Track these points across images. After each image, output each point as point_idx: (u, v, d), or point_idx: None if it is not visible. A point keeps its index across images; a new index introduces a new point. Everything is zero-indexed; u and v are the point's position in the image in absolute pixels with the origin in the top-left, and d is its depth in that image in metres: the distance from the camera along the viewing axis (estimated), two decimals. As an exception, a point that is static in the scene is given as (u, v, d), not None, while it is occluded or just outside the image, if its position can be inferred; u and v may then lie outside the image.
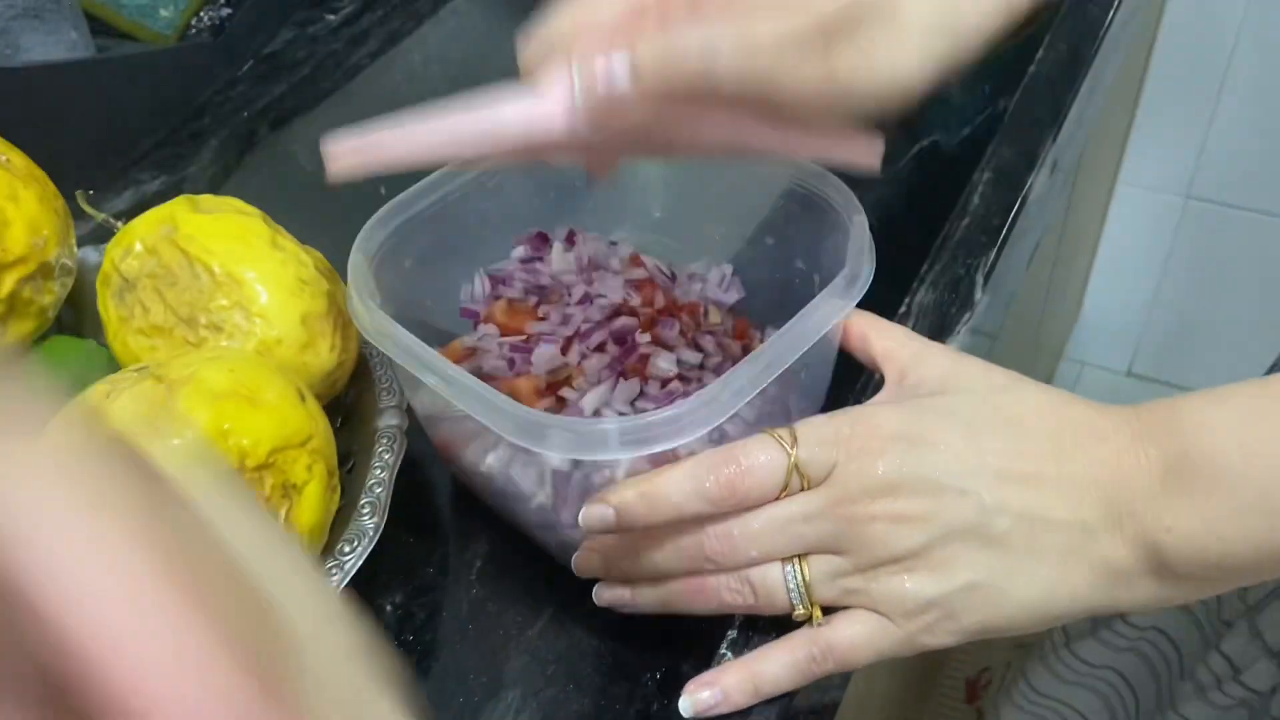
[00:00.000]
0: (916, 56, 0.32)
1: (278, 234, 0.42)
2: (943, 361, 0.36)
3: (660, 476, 0.34)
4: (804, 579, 0.35)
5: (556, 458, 0.36)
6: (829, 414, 0.36)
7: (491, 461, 0.39)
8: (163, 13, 0.70)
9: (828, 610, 0.36)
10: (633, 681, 0.39)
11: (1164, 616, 0.65)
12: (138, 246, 0.41)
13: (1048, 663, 0.76)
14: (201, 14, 0.72)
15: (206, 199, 0.42)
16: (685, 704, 0.36)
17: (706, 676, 0.37)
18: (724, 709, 0.36)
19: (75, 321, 0.50)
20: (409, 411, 0.43)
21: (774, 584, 0.35)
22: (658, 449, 0.33)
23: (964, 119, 0.63)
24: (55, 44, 0.63)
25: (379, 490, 0.40)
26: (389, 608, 0.42)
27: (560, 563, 0.41)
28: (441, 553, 0.44)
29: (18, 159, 0.44)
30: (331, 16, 0.81)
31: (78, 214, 0.48)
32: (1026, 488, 0.32)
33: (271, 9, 0.77)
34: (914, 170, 0.59)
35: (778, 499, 0.34)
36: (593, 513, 0.35)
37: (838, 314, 0.37)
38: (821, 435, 0.34)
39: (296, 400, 0.36)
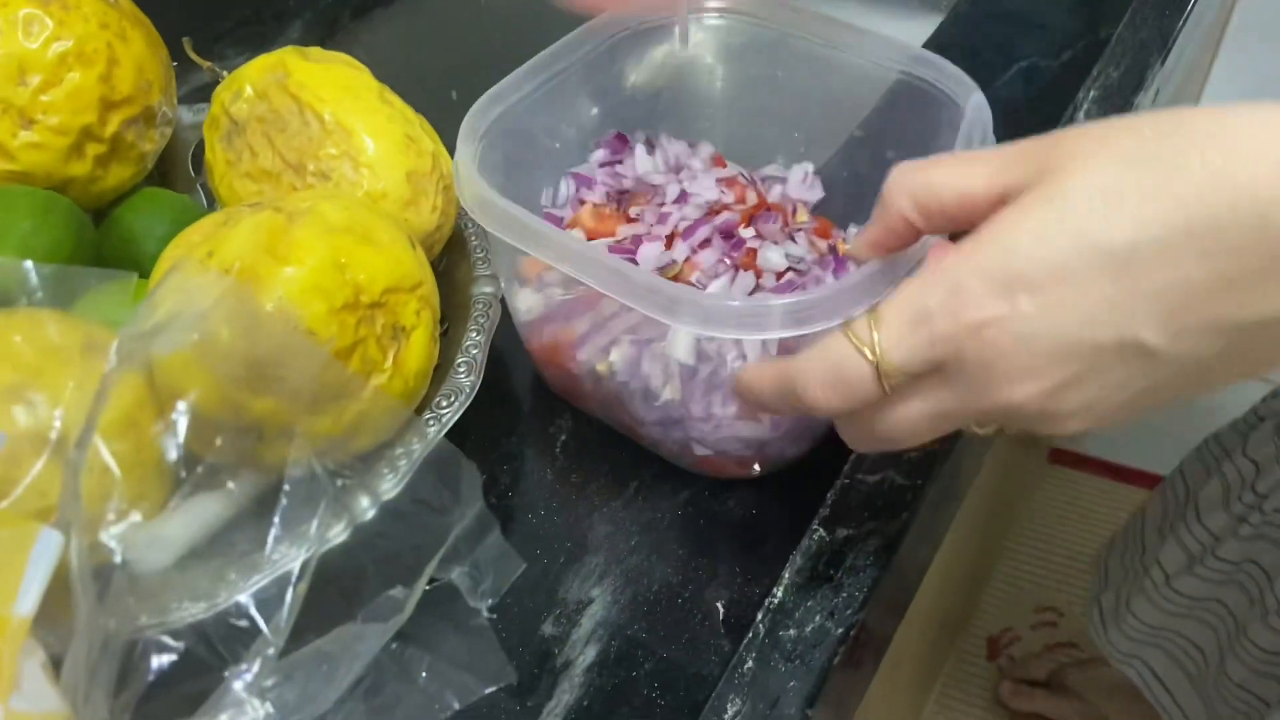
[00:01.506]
0: None
1: (385, 90, 0.42)
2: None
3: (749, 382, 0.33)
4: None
5: (682, 351, 0.35)
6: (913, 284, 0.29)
7: (614, 359, 0.38)
8: (252, -110, 0.69)
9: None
10: (713, 557, 0.39)
11: (1255, 546, 0.67)
12: (248, 90, 0.40)
13: (1151, 598, 0.79)
14: (290, -105, 0.71)
15: (316, 50, 0.42)
16: None
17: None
18: None
19: (167, 180, 0.50)
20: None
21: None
22: (818, 328, 0.31)
23: (1063, 43, 0.61)
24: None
25: (475, 351, 0.40)
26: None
27: (675, 464, 0.41)
28: (525, 426, 0.44)
29: (125, 2, 0.44)
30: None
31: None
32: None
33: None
34: (1011, 90, 0.58)
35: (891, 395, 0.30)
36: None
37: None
38: (916, 314, 0.28)
39: (408, 246, 0.36)
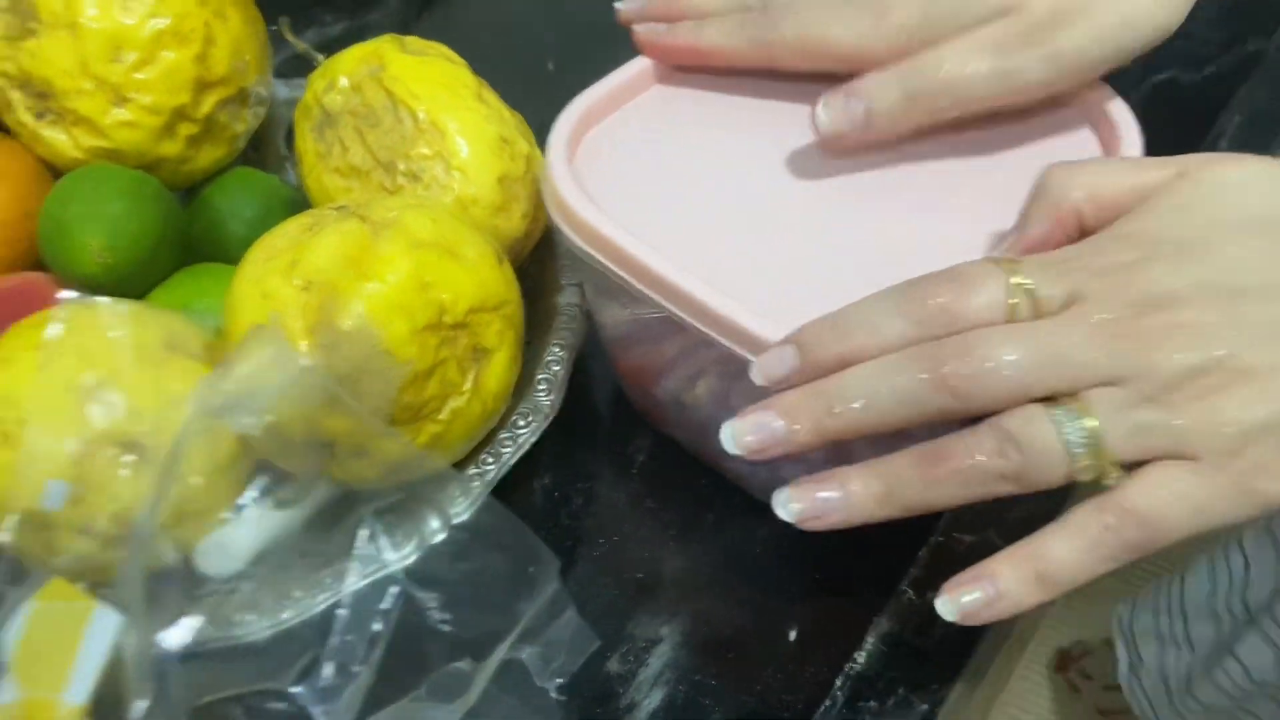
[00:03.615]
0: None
1: (483, 87, 0.40)
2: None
3: (851, 304, 0.29)
4: (1086, 422, 0.26)
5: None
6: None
7: (701, 391, 0.36)
8: None
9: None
10: (792, 605, 0.37)
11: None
12: (342, 81, 0.39)
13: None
14: None
15: (414, 41, 0.40)
16: (947, 608, 0.28)
17: (969, 573, 0.28)
18: (1002, 608, 0.27)
19: (259, 156, 0.49)
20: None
21: (1043, 435, 0.26)
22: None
23: (1206, 55, 0.57)
24: None
25: (557, 368, 0.39)
26: (547, 488, 0.41)
27: (758, 498, 0.39)
28: (602, 442, 0.43)
29: (228, -21, 0.43)
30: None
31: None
32: None
33: None
34: (1148, 106, 0.54)
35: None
36: (770, 356, 0.29)
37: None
38: (1047, 258, 0.28)
39: (495, 262, 0.34)
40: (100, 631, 0.24)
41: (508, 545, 0.28)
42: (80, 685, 0.22)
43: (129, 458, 0.32)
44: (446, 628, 0.27)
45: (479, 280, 0.33)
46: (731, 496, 0.40)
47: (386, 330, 0.31)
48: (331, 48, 0.44)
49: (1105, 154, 0.37)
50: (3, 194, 0.40)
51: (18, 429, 0.31)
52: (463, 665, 0.27)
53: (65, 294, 0.37)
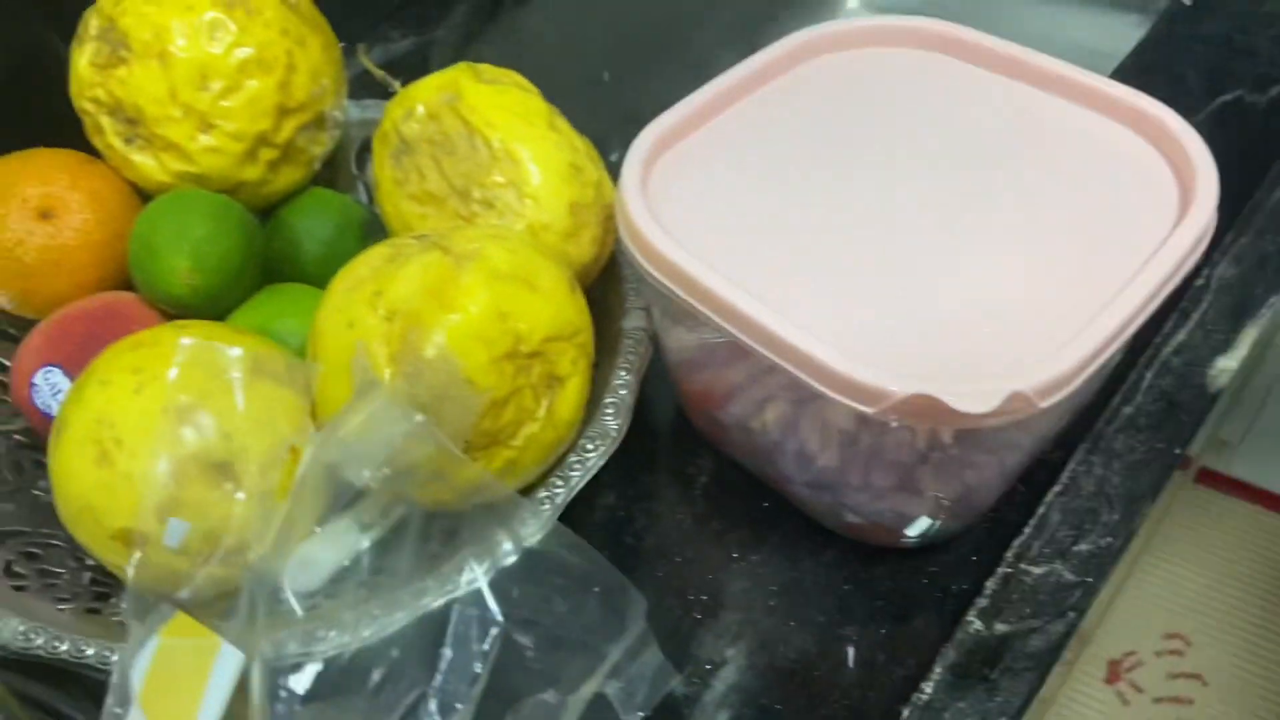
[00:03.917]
0: None
1: (555, 114, 0.41)
2: None
3: None
4: None
5: (843, 418, 0.33)
6: None
7: (770, 417, 0.37)
8: None
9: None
10: (856, 630, 0.37)
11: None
12: (419, 110, 0.40)
13: None
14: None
15: (488, 69, 0.41)
16: None
17: None
18: None
19: (330, 176, 0.51)
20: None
21: None
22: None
23: (1274, 75, 0.56)
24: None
25: (624, 393, 0.39)
26: (610, 508, 0.42)
27: (824, 523, 0.39)
28: (664, 462, 0.44)
29: (304, 3, 0.44)
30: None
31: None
32: None
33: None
34: (1214, 127, 0.53)
35: None
36: None
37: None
38: None
39: (569, 291, 0.35)
40: (224, 668, 0.25)
41: (598, 585, 0.29)
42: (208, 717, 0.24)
43: (219, 478, 0.33)
44: (537, 665, 0.28)
45: (554, 310, 0.34)
46: (794, 519, 0.40)
47: (467, 359, 0.32)
48: (398, 64, 0.45)
49: (1180, 183, 0.37)
50: (94, 216, 0.42)
51: (116, 448, 0.33)
52: (549, 697, 0.27)
53: (186, 340, 0.38)
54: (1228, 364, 0.43)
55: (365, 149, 0.51)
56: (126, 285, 0.44)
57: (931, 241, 0.35)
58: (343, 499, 0.35)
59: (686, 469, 0.43)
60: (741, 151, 0.39)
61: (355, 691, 0.27)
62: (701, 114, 0.40)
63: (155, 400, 0.33)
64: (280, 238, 0.45)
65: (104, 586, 0.38)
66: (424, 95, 0.40)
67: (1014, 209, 0.36)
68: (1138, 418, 0.42)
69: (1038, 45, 0.42)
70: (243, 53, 0.41)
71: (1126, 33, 0.90)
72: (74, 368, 0.39)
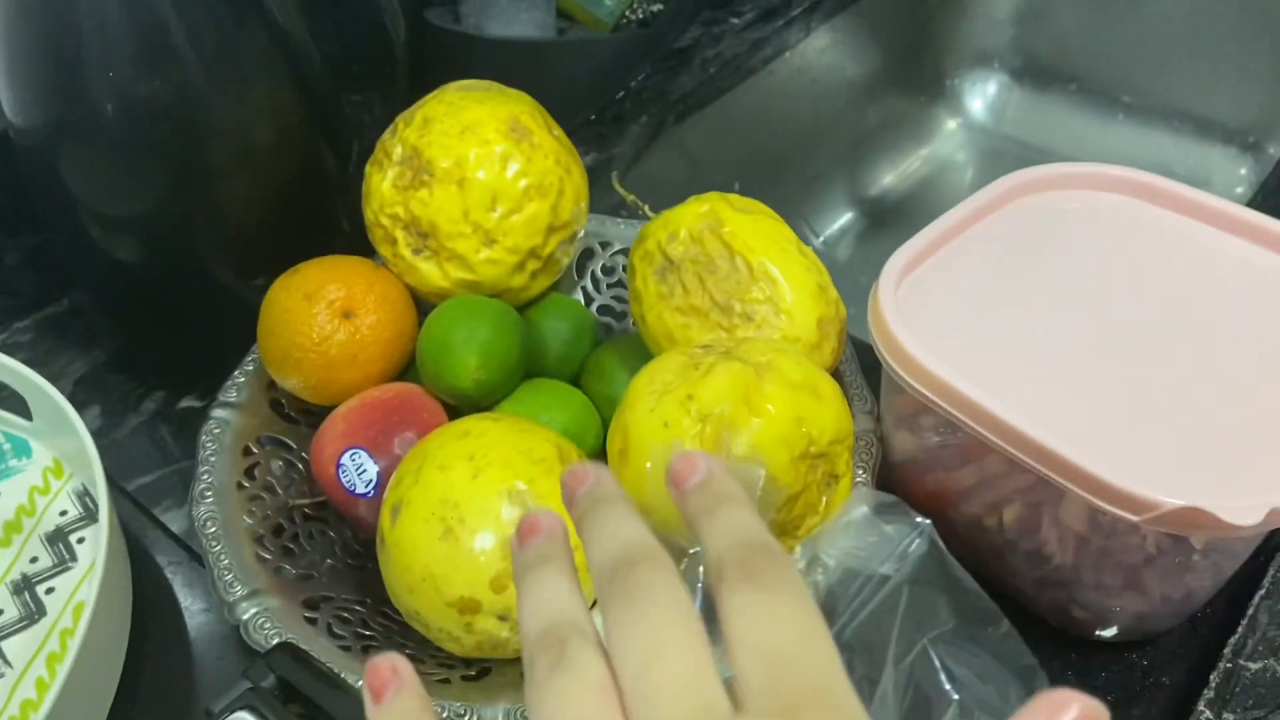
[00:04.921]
0: None
1: (799, 241, 0.46)
2: None
3: None
4: None
5: (1079, 521, 0.38)
6: None
7: (1007, 518, 0.41)
8: (606, 1, 0.76)
9: None
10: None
11: None
12: (683, 233, 0.46)
13: None
14: (635, 6, 0.78)
15: (738, 199, 0.47)
16: None
17: None
18: None
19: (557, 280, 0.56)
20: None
21: None
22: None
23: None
24: (527, 22, 0.70)
25: (864, 489, 0.44)
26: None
27: (1048, 620, 0.44)
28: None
29: (561, 133, 0.50)
30: (735, 20, 0.86)
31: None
32: None
33: (687, 5, 0.83)
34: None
35: None
36: None
37: None
38: None
39: (843, 399, 0.40)
40: None
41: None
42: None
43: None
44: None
45: (836, 415, 0.39)
46: (1009, 608, 0.44)
47: (771, 459, 0.37)
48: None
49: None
50: (387, 316, 0.47)
51: (459, 526, 0.37)
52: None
53: (505, 429, 0.43)
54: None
55: (585, 258, 0.57)
56: (401, 377, 0.49)
57: (1152, 366, 0.40)
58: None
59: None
60: (973, 277, 0.44)
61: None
62: (934, 243, 0.45)
63: (492, 484, 0.38)
64: (530, 337, 0.50)
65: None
66: (686, 220, 0.46)
67: (1223, 340, 0.41)
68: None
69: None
70: (526, 181, 0.47)
71: (1223, 166, 0.97)
72: (377, 450, 0.44)
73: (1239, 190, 0.96)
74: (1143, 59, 0.99)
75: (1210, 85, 0.96)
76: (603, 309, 0.57)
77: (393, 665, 0.25)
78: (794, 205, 0.99)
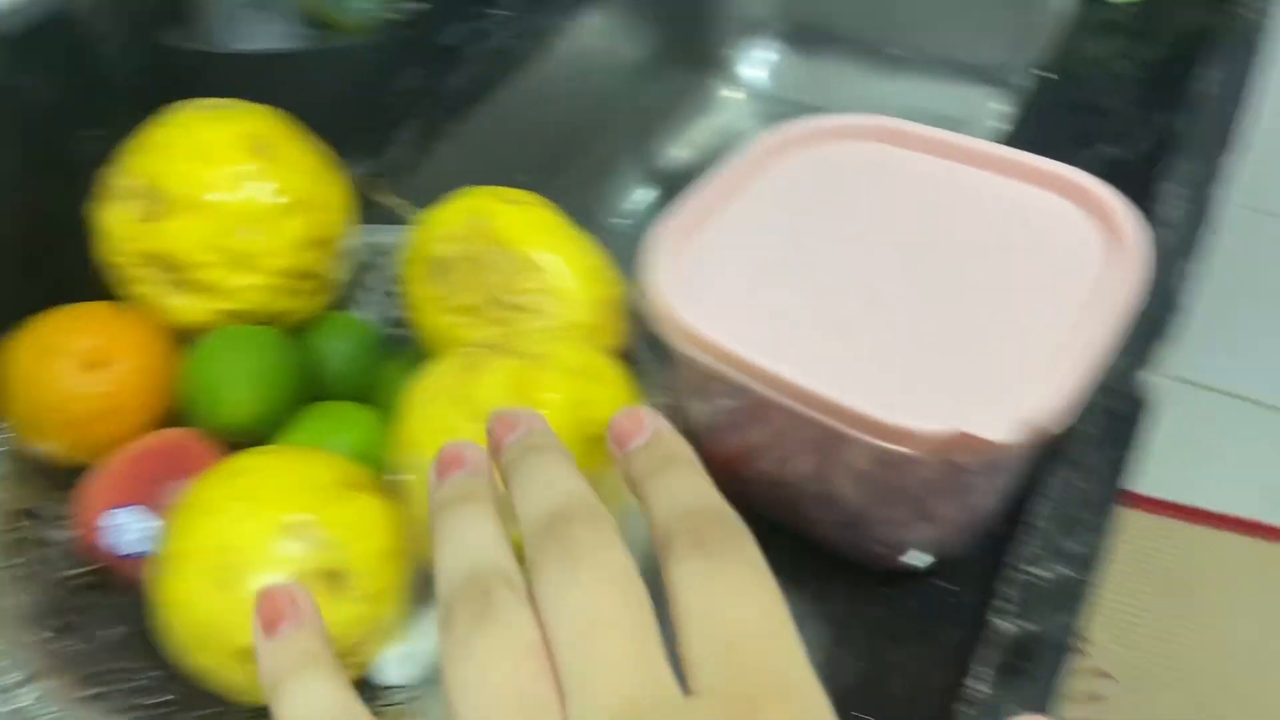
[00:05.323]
0: None
1: (573, 227, 0.45)
2: None
3: None
4: None
5: (864, 459, 0.39)
6: None
7: (801, 469, 0.42)
8: (355, 4, 0.74)
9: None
10: (898, 648, 0.42)
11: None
12: (450, 232, 0.44)
13: None
14: (394, 5, 0.76)
15: (506, 191, 0.46)
16: None
17: None
18: None
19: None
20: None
21: None
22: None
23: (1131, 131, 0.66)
24: (269, 34, 0.67)
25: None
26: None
27: (850, 557, 0.45)
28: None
29: (314, 144, 0.48)
30: (502, 11, 0.85)
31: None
32: None
33: (448, 3, 0.81)
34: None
35: None
36: None
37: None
38: None
39: (625, 377, 0.40)
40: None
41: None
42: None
43: (334, 586, 0.36)
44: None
45: (619, 394, 0.39)
46: (819, 558, 0.45)
47: (556, 448, 0.36)
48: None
49: (1108, 232, 0.44)
50: (143, 361, 0.44)
51: (235, 572, 0.35)
52: None
53: (281, 463, 0.40)
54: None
55: (366, 271, 0.55)
56: (169, 423, 0.46)
57: (912, 303, 0.41)
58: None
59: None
60: (737, 240, 0.44)
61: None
62: (700, 209, 0.45)
63: (270, 521, 0.36)
64: (308, 359, 0.48)
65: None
66: (451, 219, 0.45)
67: (975, 270, 0.43)
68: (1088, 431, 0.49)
69: (914, 118, 0.50)
70: (274, 198, 0.44)
71: (981, 103, 1.03)
72: (147, 504, 0.41)
73: (998, 126, 1.02)
74: (905, 13, 1.04)
75: (965, 32, 1.02)
76: (395, 321, 0.55)
77: (291, 595, 0.22)
78: (588, 189, 0.99)
